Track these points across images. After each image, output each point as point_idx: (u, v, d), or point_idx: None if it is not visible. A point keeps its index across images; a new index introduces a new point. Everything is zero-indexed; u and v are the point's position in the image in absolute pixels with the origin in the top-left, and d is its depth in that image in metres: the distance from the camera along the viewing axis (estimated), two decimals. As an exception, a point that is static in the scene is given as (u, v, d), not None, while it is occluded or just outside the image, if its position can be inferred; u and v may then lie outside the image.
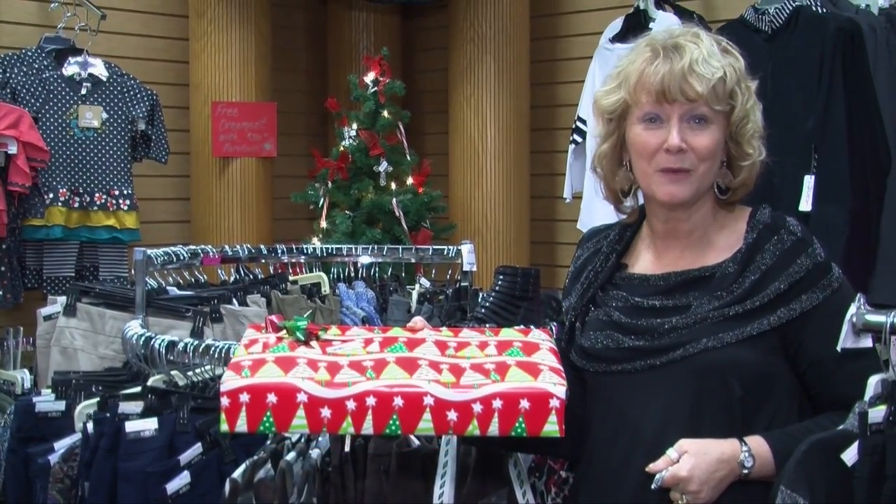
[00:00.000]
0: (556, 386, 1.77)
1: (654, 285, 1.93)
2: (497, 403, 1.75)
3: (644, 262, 1.99)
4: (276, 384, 1.75)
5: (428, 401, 1.75)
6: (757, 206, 1.94)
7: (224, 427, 1.76)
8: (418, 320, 2.02)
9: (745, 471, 1.77)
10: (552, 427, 1.76)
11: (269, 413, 1.74)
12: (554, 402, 1.75)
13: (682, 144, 1.85)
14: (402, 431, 1.77)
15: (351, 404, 1.74)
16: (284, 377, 1.77)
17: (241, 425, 1.74)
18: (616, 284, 1.99)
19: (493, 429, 1.75)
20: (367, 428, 1.75)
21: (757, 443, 1.79)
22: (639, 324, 1.90)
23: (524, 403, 1.75)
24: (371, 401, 1.74)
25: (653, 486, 1.76)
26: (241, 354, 1.85)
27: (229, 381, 1.76)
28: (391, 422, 1.75)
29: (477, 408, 1.75)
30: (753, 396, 1.83)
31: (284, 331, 1.93)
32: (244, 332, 2.01)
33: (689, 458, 1.75)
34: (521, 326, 2.06)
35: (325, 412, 1.74)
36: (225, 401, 1.75)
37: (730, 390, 1.82)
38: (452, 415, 1.75)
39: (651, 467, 1.77)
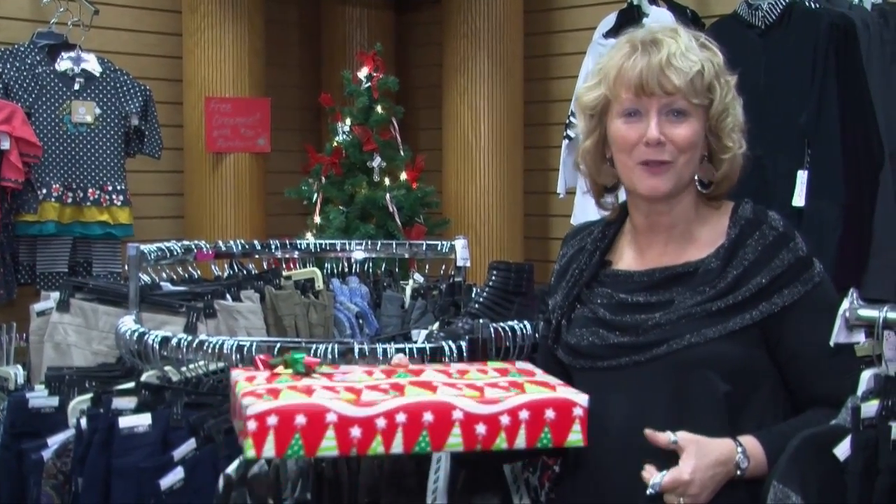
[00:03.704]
0: (577, 395, 1.76)
1: (638, 281, 1.94)
2: (524, 414, 1.73)
3: (628, 258, 1.99)
4: (305, 405, 1.67)
5: (457, 415, 1.70)
6: (739, 200, 1.95)
7: (251, 453, 1.66)
8: (401, 357, 2.02)
9: (740, 472, 1.76)
10: (576, 436, 1.75)
11: (297, 435, 1.66)
12: (577, 411, 1.74)
13: (661, 137, 1.86)
14: (431, 448, 1.71)
15: (381, 422, 1.68)
16: (309, 399, 1.69)
17: (269, 450, 1.65)
18: (601, 281, 1.99)
19: (520, 441, 1.73)
20: (397, 446, 1.69)
21: (751, 444, 1.78)
22: (623, 320, 1.90)
23: (549, 413, 1.73)
24: (401, 417, 1.68)
25: (649, 492, 1.74)
26: (247, 386, 1.76)
27: (254, 405, 1.66)
28: (421, 438, 1.69)
29: (504, 420, 1.72)
30: (738, 391, 1.83)
31: (282, 366, 1.87)
32: (232, 374, 1.91)
33: (690, 460, 1.74)
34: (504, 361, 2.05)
35: (355, 432, 1.67)
36: (252, 424, 1.65)
37: (714, 386, 1.82)
38: (481, 428, 1.71)
39: (644, 476, 1.75)
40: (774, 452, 1.75)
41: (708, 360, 1.82)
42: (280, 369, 1.86)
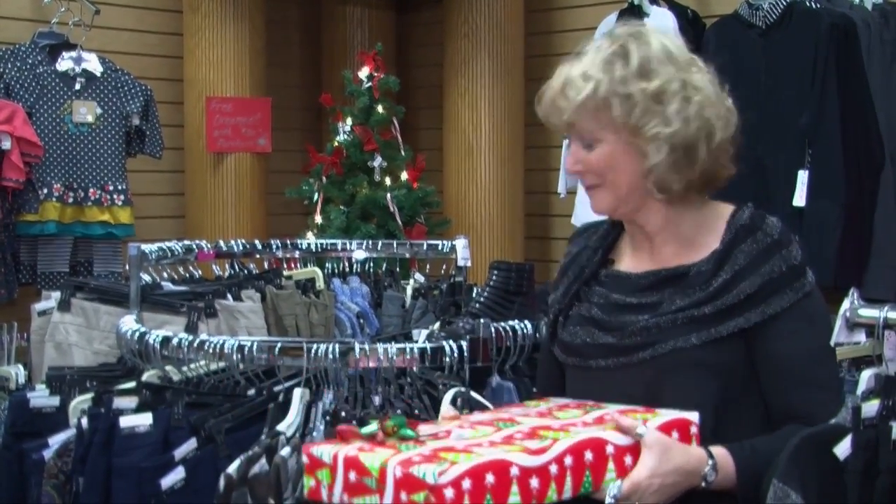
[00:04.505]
0: (690, 413, 1.75)
1: (635, 283, 1.93)
2: None
3: (627, 259, 1.99)
4: (489, 462, 1.53)
5: (609, 449, 1.66)
6: (742, 204, 1.92)
7: None
8: (449, 409, 1.99)
9: (705, 484, 1.73)
10: None
11: (488, 496, 1.52)
12: (693, 429, 1.75)
13: (577, 166, 1.87)
14: (592, 488, 1.64)
15: (554, 469, 1.59)
16: (485, 455, 1.55)
17: None
18: (600, 281, 1.98)
19: None
20: (567, 491, 1.61)
21: (723, 456, 1.75)
22: (612, 321, 1.89)
23: (675, 434, 1.73)
24: (569, 461, 1.61)
25: (607, 501, 1.67)
26: (389, 455, 1.58)
27: (445, 470, 1.50)
28: (585, 479, 1.62)
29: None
30: (724, 397, 1.82)
31: (380, 433, 1.65)
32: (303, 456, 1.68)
33: (650, 463, 1.69)
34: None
35: (534, 482, 1.57)
36: (450, 493, 1.50)
37: (699, 391, 1.80)
38: (629, 460, 1.68)
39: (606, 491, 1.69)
40: (744, 467, 1.74)
41: (692, 366, 1.81)
42: (380, 436, 1.66)
